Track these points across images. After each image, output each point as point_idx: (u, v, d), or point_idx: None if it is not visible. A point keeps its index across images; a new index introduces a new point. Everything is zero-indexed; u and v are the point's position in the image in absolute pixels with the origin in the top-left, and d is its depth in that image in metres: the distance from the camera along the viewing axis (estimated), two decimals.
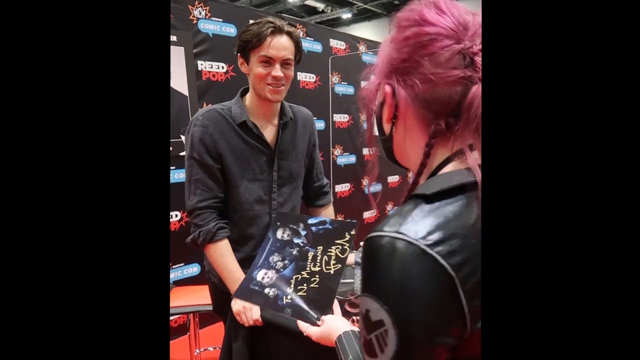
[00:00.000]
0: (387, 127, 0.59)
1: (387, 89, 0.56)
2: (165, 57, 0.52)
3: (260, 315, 1.14)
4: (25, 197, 0.44)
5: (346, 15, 10.69)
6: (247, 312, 1.14)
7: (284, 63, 1.19)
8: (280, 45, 1.17)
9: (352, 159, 3.58)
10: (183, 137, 2.41)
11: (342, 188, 3.51)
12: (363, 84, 0.62)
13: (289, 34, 1.19)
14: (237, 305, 1.16)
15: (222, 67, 2.57)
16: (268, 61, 1.17)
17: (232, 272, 1.21)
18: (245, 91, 1.29)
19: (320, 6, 9.84)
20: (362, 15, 11.01)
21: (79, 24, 0.46)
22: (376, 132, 0.62)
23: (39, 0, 0.45)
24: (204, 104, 2.48)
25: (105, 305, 0.47)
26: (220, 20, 2.54)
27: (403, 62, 0.54)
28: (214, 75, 2.54)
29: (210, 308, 1.83)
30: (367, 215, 3.82)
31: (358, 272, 1.24)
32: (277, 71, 1.18)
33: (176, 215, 2.43)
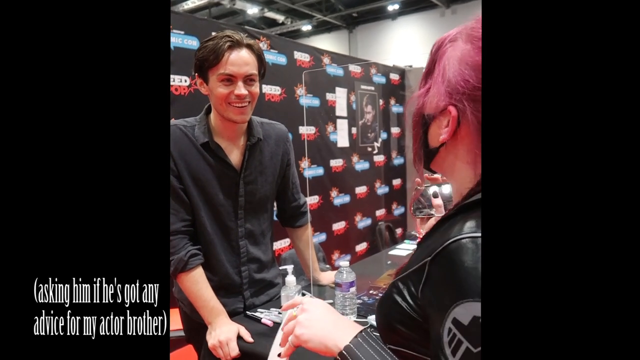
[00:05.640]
0: (434, 141, 0.56)
1: (453, 112, 0.52)
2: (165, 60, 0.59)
3: (239, 349, 1.06)
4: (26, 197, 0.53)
5: (306, 27, 10.75)
6: (224, 347, 1.05)
7: (247, 79, 1.08)
8: (240, 60, 1.06)
9: (319, 171, 3.55)
10: None
11: (311, 200, 3.48)
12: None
13: (249, 46, 1.09)
14: (212, 339, 1.07)
15: (185, 81, 2.49)
16: (229, 79, 1.07)
17: (206, 300, 1.12)
18: (210, 108, 1.18)
19: (280, 18, 9.85)
20: (322, 27, 11.11)
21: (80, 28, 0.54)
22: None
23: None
24: None
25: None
26: (182, 32, 2.47)
27: (477, 90, 0.49)
28: (176, 89, 2.45)
29: (180, 334, 1.75)
30: (336, 227, 3.79)
31: (338, 293, 1.20)
32: (240, 89, 1.07)
33: None
